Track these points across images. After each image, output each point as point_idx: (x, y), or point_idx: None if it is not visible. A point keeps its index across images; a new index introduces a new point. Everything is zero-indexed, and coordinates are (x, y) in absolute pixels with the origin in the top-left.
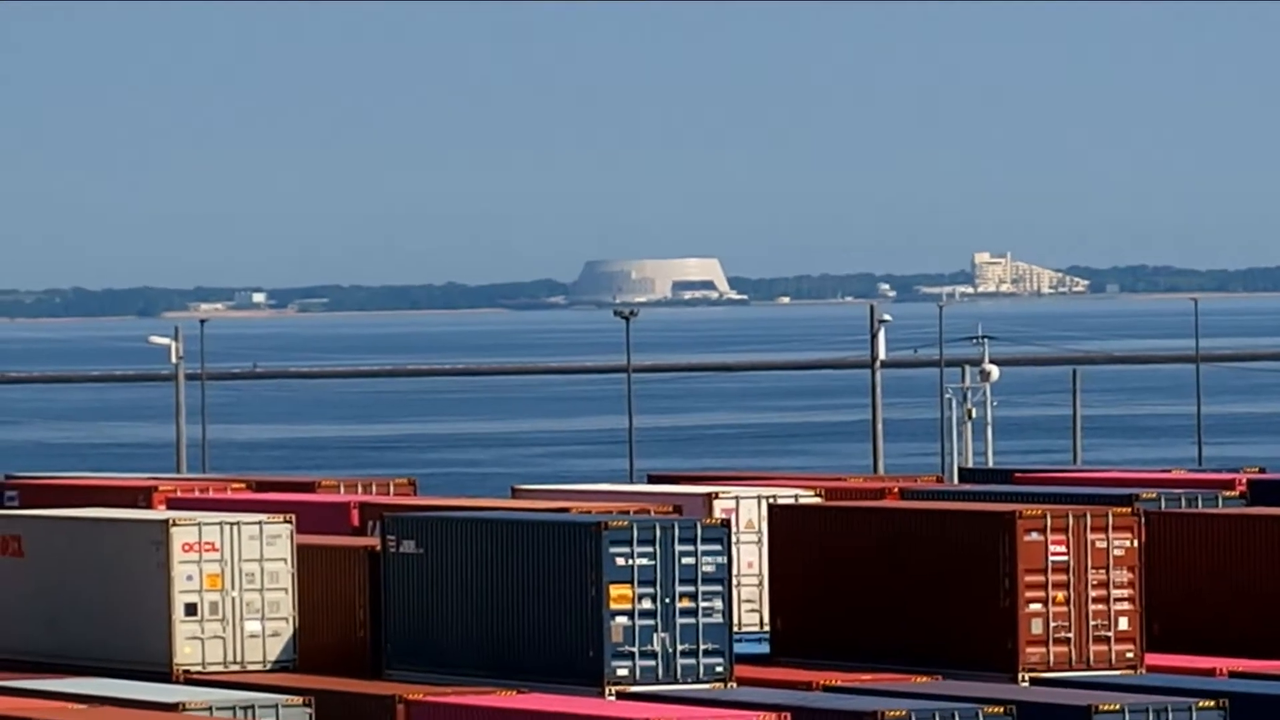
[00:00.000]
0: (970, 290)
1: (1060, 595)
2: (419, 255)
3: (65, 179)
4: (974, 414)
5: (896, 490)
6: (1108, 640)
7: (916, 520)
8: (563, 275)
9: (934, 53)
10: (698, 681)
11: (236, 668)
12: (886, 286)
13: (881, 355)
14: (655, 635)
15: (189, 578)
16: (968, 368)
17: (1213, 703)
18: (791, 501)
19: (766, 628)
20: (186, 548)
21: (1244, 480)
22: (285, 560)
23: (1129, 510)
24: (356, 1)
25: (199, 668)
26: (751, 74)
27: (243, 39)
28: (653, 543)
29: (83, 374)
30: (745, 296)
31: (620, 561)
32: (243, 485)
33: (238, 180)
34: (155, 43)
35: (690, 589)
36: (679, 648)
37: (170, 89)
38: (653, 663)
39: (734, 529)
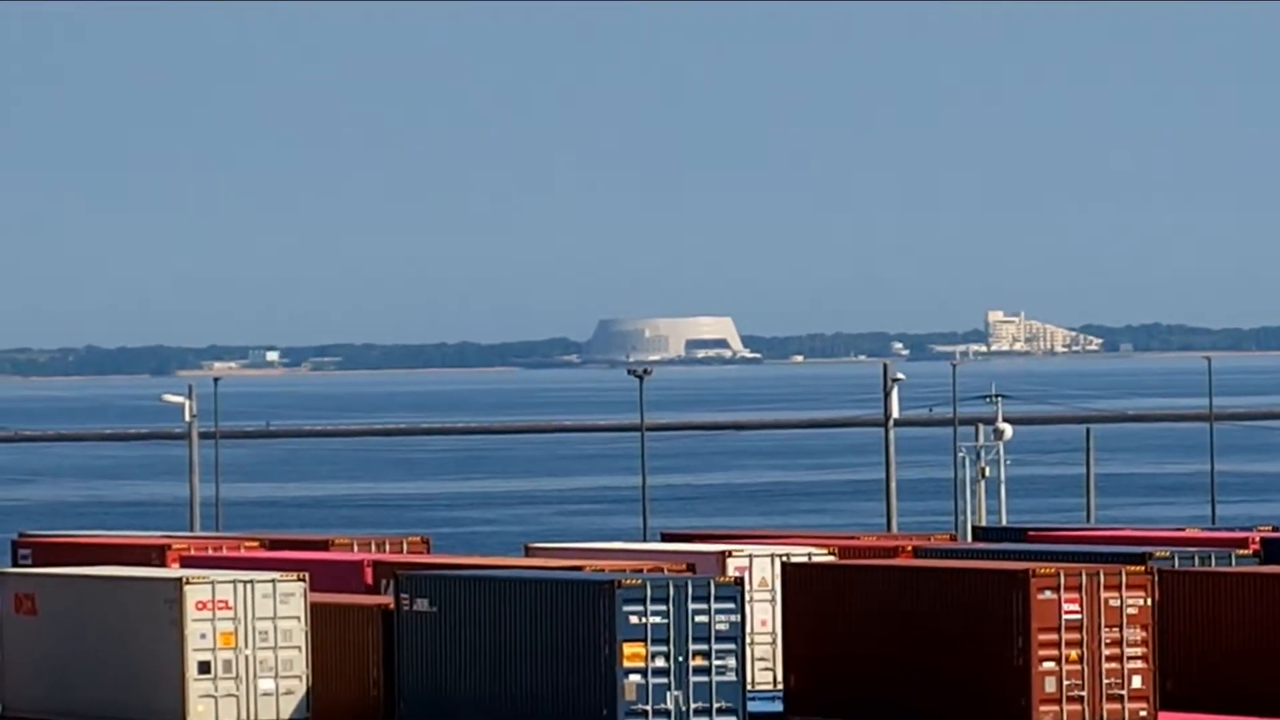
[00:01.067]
0: (984, 349)
1: (1074, 653)
2: (432, 314)
3: (78, 238)
4: (987, 472)
5: (910, 549)
6: (1121, 699)
7: (930, 578)
8: (576, 334)
9: (944, 110)
10: None
11: None
12: (900, 345)
13: (895, 414)
14: (668, 694)
15: (202, 636)
16: (981, 426)
17: None
18: (805, 560)
19: (780, 686)
20: (200, 606)
21: (1257, 539)
22: (299, 618)
23: (1142, 569)
24: (369, 59)
25: None
26: (763, 133)
27: (256, 98)
28: (666, 601)
29: (96, 432)
30: (759, 355)
31: (633, 620)
32: (256, 543)
33: (250, 239)
34: (168, 101)
35: (704, 647)
36: (692, 706)
37: (186, 147)
38: None
39: (747, 587)
